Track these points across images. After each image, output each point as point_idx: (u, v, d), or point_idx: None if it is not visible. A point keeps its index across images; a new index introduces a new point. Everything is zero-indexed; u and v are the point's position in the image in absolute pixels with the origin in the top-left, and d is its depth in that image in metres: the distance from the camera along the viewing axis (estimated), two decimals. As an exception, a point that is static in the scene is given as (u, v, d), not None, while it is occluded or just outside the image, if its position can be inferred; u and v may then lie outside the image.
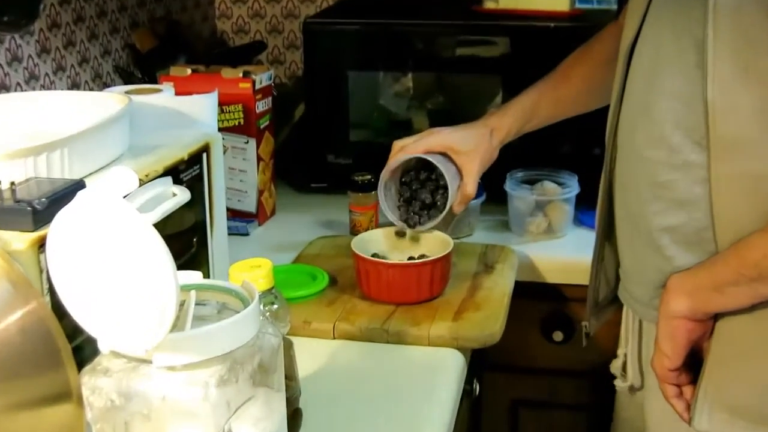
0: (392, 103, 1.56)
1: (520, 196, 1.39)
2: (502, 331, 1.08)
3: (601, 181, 1.04)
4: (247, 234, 1.43)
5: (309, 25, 1.51)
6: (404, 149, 1.19)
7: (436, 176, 1.20)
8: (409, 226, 1.19)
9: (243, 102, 1.41)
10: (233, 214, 1.45)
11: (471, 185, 1.18)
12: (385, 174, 1.19)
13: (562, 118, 1.26)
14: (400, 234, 1.21)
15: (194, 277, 0.72)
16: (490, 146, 1.20)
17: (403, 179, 1.21)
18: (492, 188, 1.41)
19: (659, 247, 0.92)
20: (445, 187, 1.17)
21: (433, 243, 1.19)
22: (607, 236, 1.05)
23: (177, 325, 0.65)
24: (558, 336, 1.38)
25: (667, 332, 0.90)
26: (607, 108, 1.03)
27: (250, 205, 1.47)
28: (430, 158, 1.17)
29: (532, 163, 1.44)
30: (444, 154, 1.19)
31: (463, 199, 1.18)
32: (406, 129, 1.55)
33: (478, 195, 1.39)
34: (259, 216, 1.48)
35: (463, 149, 1.18)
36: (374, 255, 1.17)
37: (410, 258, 1.18)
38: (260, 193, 1.47)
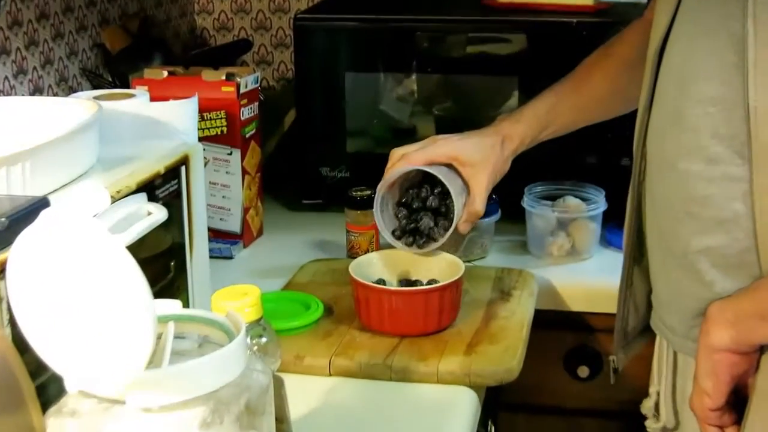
0: (394, 108, 1.57)
1: (539, 213, 1.39)
2: (521, 367, 1.08)
3: (629, 197, 1.04)
4: (231, 257, 1.44)
5: (300, 22, 1.52)
6: (404, 159, 1.19)
7: (440, 190, 1.20)
8: (408, 246, 1.19)
9: (226, 108, 1.41)
10: (215, 234, 1.45)
11: (479, 201, 1.18)
12: (381, 187, 1.19)
13: (582, 126, 1.26)
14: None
15: (172, 306, 0.72)
16: (501, 157, 1.20)
17: (404, 200, 1.21)
18: (508, 205, 1.41)
19: (696, 271, 0.93)
20: (451, 203, 1.17)
21: (442, 267, 1.19)
22: (637, 259, 1.05)
23: (153, 361, 0.65)
24: (583, 371, 1.37)
25: (707, 367, 0.90)
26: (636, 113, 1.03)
27: (234, 224, 1.47)
28: (432, 171, 1.16)
29: (553, 176, 1.44)
30: (449, 166, 1.19)
31: (470, 217, 1.18)
32: (410, 137, 1.55)
33: (492, 212, 1.39)
34: (244, 237, 1.48)
35: (471, 160, 1.18)
36: (376, 281, 1.17)
37: (416, 284, 1.18)
38: (246, 210, 1.47)
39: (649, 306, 1.05)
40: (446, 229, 1.17)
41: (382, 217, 1.19)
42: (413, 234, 1.20)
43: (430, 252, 1.20)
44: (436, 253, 1.20)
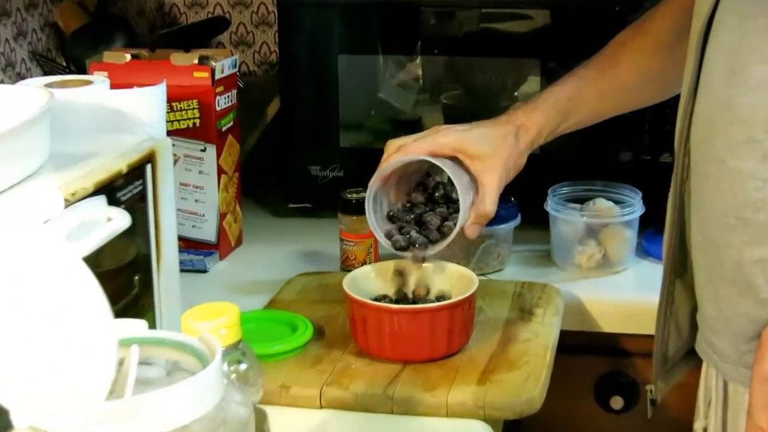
0: (396, 96, 1.57)
1: (565, 218, 1.40)
2: (544, 397, 1.08)
3: (670, 199, 1.04)
4: (205, 270, 1.44)
5: (286, -4, 1.52)
6: (402, 150, 1.19)
7: (442, 189, 1.20)
8: (396, 249, 1.17)
9: (199, 97, 1.42)
10: (187, 244, 1.45)
11: (489, 200, 1.17)
12: (374, 183, 1.18)
13: (609, 116, 1.26)
14: (399, 272, 1.20)
15: (137, 327, 0.72)
16: (515, 149, 1.19)
17: (408, 203, 1.21)
18: (529, 208, 1.42)
19: (750, 286, 0.93)
20: (455, 203, 1.17)
21: (453, 281, 1.19)
22: (679, 272, 1.05)
23: (114, 391, 0.65)
24: (617, 403, 1.38)
25: (763, 398, 0.90)
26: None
27: (209, 232, 1.47)
28: (436, 162, 1.16)
29: (582, 174, 1.45)
30: (454, 159, 1.19)
31: (478, 219, 1.18)
32: (414, 130, 1.54)
33: (510, 217, 1.39)
34: (221, 247, 1.48)
35: (480, 152, 1.18)
36: (374, 298, 1.17)
37: (422, 301, 1.18)
38: (222, 216, 1.48)
39: (694, 327, 1.05)
40: (450, 232, 1.17)
41: (376, 219, 1.19)
42: (410, 235, 1.18)
43: (435, 262, 1.20)
44: (444, 266, 1.21)
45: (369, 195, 1.18)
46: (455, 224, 1.16)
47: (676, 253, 1.04)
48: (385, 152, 1.20)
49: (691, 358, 1.07)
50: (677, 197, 1.03)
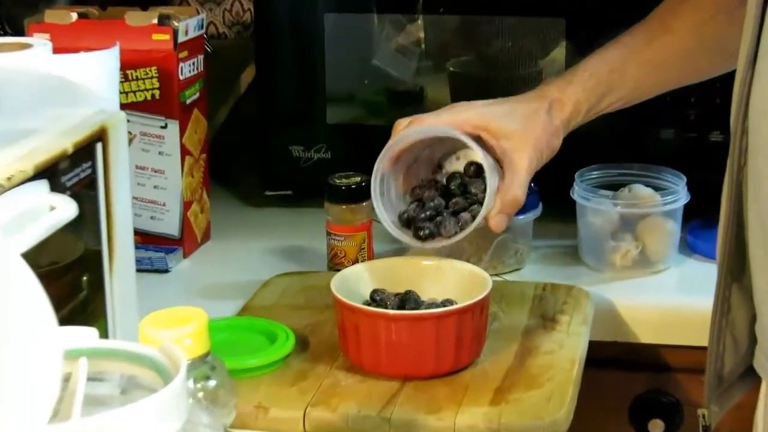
0: (393, 63, 1.57)
1: (596, 207, 1.40)
2: (570, 420, 1.08)
3: (725, 188, 1.04)
4: (166, 270, 1.44)
5: (262, -57, 1.53)
6: (415, 123, 1.19)
7: (458, 179, 1.21)
8: (420, 239, 1.18)
9: (158, 63, 1.42)
10: (145, 239, 1.45)
11: (518, 185, 1.18)
12: (383, 162, 1.19)
13: (655, 93, 1.26)
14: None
15: (86, 336, 0.72)
16: (547, 127, 1.20)
17: (416, 190, 1.22)
18: (552, 196, 1.42)
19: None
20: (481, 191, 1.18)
21: (462, 283, 1.19)
22: (736, 274, 1.05)
23: (59, 412, 0.65)
24: (656, 427, 1.38)
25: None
26: (733, 73, 1.03)
27: (170, 225, 1.48)
28: (460, 136, 1.16)
29: (615, 156, 1.45)
30: (476, 139, 1.19)
31: (505, 207, 1.18)
32: (415, 104, 1.56)
33: (530, 207, 1.39)
34: (185, 242, 1.48)
35: (506, 130, 1.18)
36: (367, 302, 1.17)
37: (425, 305, 1.18)
38: (187, 206, 1.48)
39: (754, 340, 1.05)
40: (471, 221, 1.17)
41: (382, 202, 1.20)
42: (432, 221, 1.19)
43: (441, 260, 1.21)
44: (452, 264, 1.21)
45: (375, 176, 1.19)
46: (478, 212, 1.17)
47: (733, 252, 1.04)
48: (394, 131, 1.21)
49: (751, 376, 1.07)
50: (733, 186, 1.02)
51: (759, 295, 1.01)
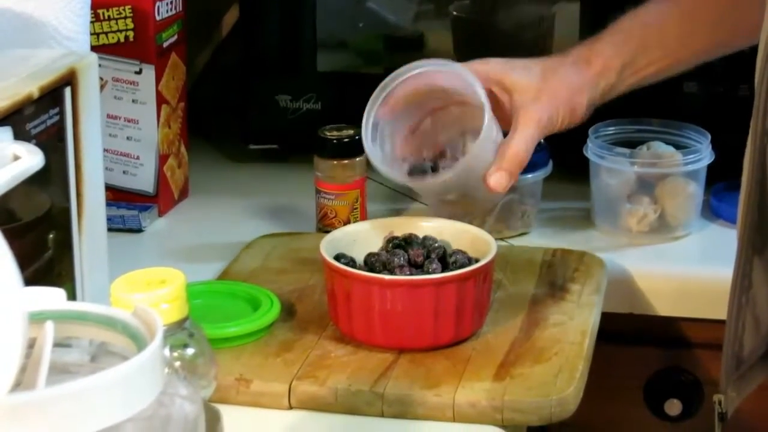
0: (390, 6, 1.57)
1: (611, 166, 1.40)
2: (580, 398, 1.09)
3: (748, 152, 1.04)
4: (140, 230, 1.44)
5: None
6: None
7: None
8: (409, 175, 1.20)
9: (133, 2, 1.41)
10: (117, 195, 1.45)
11: (522, 140, 1.18)
12: (375, 103, 1.20)
13: (696, 59, 1.26)
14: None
15: (52, 298, 0.72)
16: (570, 82, 1.20)
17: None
18: (563, 153, 1.42)
19: None
20: None
21: (463, 246, 1.19)
22: (758, 246, 1.04)
23: (23, 382, 0.65)
24: (673, 408, 1.39)
25: None
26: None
27: (145, 180, 1.47)
28: (461, 71, 1.17)
29: (632, 111, 1.44)
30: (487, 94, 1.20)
31: (504, 163, 1.18)
32: (414, 51, 1.56)
33: (539, 164, 1.40)
34: (160, 199, 1.48)
35: (520, 84, 1.19)
36: (360, 266, 1.17)
37: (425, 269, 1.18)
38: (162, 160, 1.48)
39: None
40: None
41: (373, 146, 1.21)
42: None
43: (440, 221, 1.22)
44: (453, 226, 1.21)
45: (367, 121, 1.20)
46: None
47: (755, 223, 1.04)
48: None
49: None
50: (756, 150, 1.02)
51: None
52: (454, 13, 1.56)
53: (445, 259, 1.18)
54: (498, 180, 1.19)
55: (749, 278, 1.05)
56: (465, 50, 1.53)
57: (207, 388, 0.85)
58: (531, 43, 1.52)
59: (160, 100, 1.45)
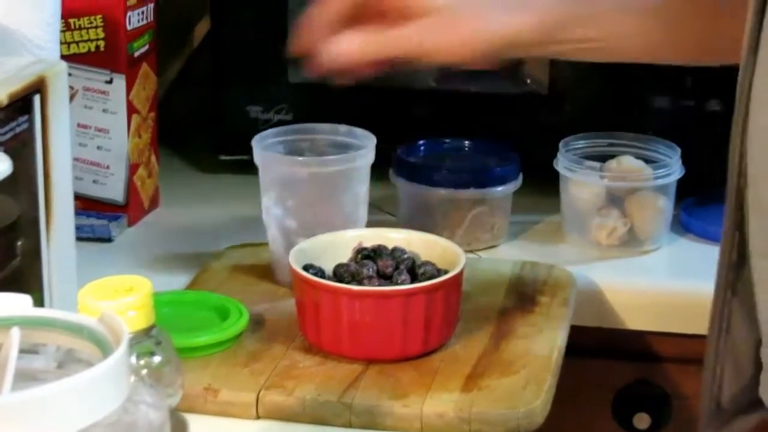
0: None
1: (581, 180, 1.40)
2: (548, 411, 1.09)
3: (728, 184, 1.02)
4: (109, 239, 1.44)
5: None
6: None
7: None
8: None
9: (104, 12, 1.41)
10: (86, 204, 1.45)
11: None
12: None
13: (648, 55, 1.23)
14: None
15: (18, 304, 0.72)
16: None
17: None
18: (533, 166, 1.42)
19: None
20: None
21: (433, 257, 1.20)
22: (737, 288, 1.01)
23: (-12, 387, 0.65)
24: (642, 422, 1.39)
25: None
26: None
27: (115, 189, 1.47)
28: None
29: (603, 124, 1.45)
30: None
31: None
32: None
33: (509, 177, 1.40)
34: (130, 209, 1.48)
35: None
36: (328, 276, 1.18)
37: (394, 280, 1.18)
38: (133, 169, 1.48)
39: (759, 365, 1.03)
40: None
41: None
42: None
43: (409, 232, 1.23)
44: (422, 237, 1.22)
45: None
46: None
47: (734, 263, 1.01)
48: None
49: (758, 408, 1.05)
50: (734, 190, 0.98)
51: (766, 313, 0.98)
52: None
53: (414, 270, 1.18)
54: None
55: (728, 321, 1.03)
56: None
57: (173, 396, 0.86)
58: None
59: (131, 109, 1.45)
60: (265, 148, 1.30)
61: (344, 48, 1.11)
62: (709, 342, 1.03)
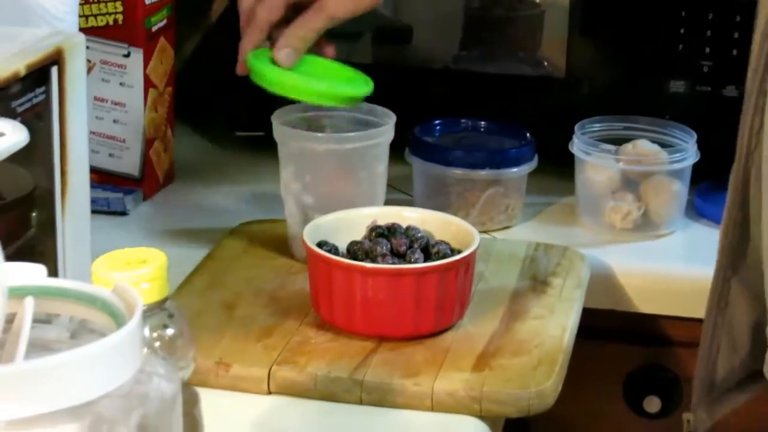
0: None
1: (596, 163, 1.40)
2: (558, 391, 1.09)
3: (734, 166, 1.03)
4: (124, 213, 1.44)
5: None
6: None
7: None
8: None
9: (122, -15, 1.42)
10: (102, 178, 1.45)
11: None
12: None
13: None
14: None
15: (32, 274, 0.72)
16: None
17: None
18: (549, 147, 1.42)
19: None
20: None
21: (446, 236, 1.20)
22: (737, 266, 1.03)
23: (1, 356, 0.65)
24: (652, 405, 1.39)
25: None
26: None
27: (130, 163, 1.48)
28: None
29: (619, 107, 1.45)
30: None
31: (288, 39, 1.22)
32: (402, 43, 1.56)
33: (525, 158, 1.40)
34: (145, 183, 1.48)
35: None
36: (342, 253, 1.18)
37: (407, 259, 1.18)
38: (149, 143, 1.48)
39: (755, 343, 1.03)
40: None
41: None
42: None
43: (424, 211, 1.23)
44: (436, 216, 1.22)
45: None
46: None
47: (735, 242, 1.03)
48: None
49: (752, 383, 1.05)
50: (740, 169, 1.00)
51: None
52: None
53: (428, 249, 1.18)
54: (285, 56, 1.22)
55: (726, 299, 1.04)
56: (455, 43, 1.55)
57: (185, 369, 0.85)
58: (521, 36, 1.53)
59: (148, 83, 1.45)
60: (285, 123, 1.30)
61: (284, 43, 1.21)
62: (706, 318, 1.04)
